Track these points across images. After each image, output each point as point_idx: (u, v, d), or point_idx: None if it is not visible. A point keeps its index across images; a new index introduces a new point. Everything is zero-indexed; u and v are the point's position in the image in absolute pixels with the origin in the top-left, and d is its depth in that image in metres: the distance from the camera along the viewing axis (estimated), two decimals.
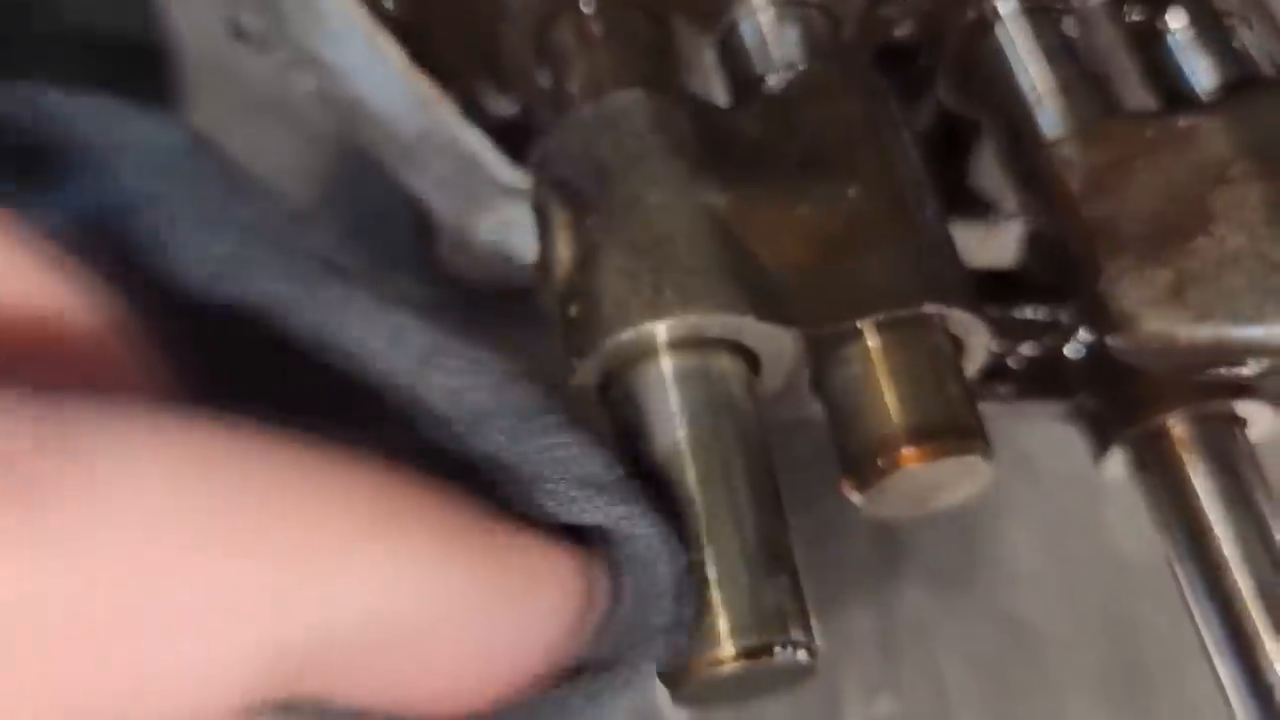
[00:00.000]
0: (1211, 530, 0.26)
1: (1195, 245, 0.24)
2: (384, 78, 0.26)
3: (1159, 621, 0.37)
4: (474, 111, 0.28)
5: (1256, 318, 0.23)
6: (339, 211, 0.36)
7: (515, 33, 0.26)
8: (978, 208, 0.33)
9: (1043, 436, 0.37)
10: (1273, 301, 0.23)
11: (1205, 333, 0.23)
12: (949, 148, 0.33)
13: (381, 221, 0.33)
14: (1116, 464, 0.28)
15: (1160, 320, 0.24)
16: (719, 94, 0.27)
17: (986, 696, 0.36)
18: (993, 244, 0.32)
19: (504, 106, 0.29)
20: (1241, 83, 0.27)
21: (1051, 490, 0.38)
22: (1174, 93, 0.29)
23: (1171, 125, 0.25)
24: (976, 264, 0.30)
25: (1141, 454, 0.27)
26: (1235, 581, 0.26)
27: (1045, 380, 0.28)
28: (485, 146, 0.28)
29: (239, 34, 0.25)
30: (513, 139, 0.29)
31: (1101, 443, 0.28)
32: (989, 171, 0.33)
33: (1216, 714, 0.31)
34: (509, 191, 0.29)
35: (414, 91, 0.26)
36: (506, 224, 0.30)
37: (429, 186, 0.29)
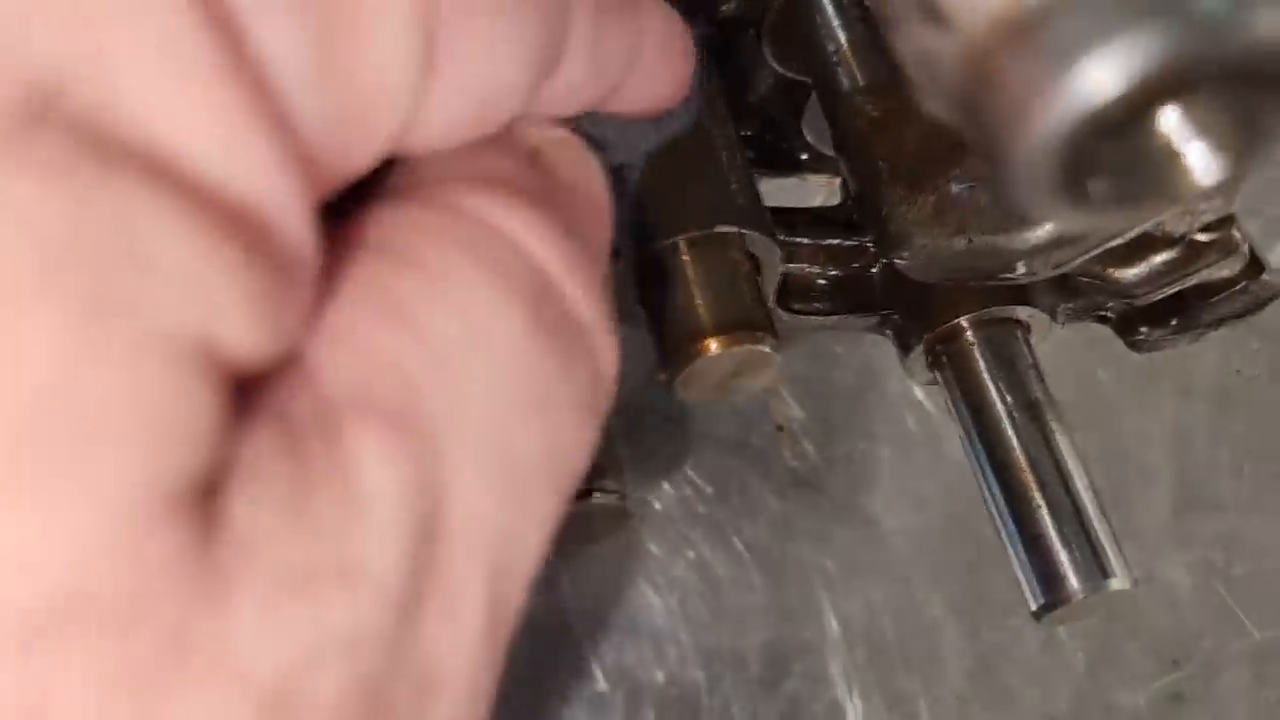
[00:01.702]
0: (993, 408, 0.32)
1: (953, 173, 0.29)
2: None
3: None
4: None
5: (1004, 229, 0.28)
6: None
7: None
8: (815, 159, 0.39)
9: (886, 355, 0.42)
10: (1014, 217, 0.28)
11: (960, 244, 0.29)
12: (790, 108, 0.38)
13: None
14: (918, 366, 0.33)
15: (927, 236, 0.29)
16: None
17: (844, 581, 0.41)
18: (825, 191, 0.37)
19: None
20: None
21: (898, 406, 0.43)
22: None
23: None
24: (805, 205, 0.35)
25: (937, 355, 0.33)
26: (1018, 466, 0.31)
27: (855, 299, 0.33)
28: None
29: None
30: None
31: (904, 348, 0.33)
32: (820, 129, 0.38)
33: None
34: None
35: None
36: None
37: None
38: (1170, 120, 0.16)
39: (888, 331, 0.34)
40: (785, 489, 0.42)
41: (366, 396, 0.14)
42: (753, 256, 0.28)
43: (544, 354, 0.16)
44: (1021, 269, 0.30)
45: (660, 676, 0.39)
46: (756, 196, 0.28)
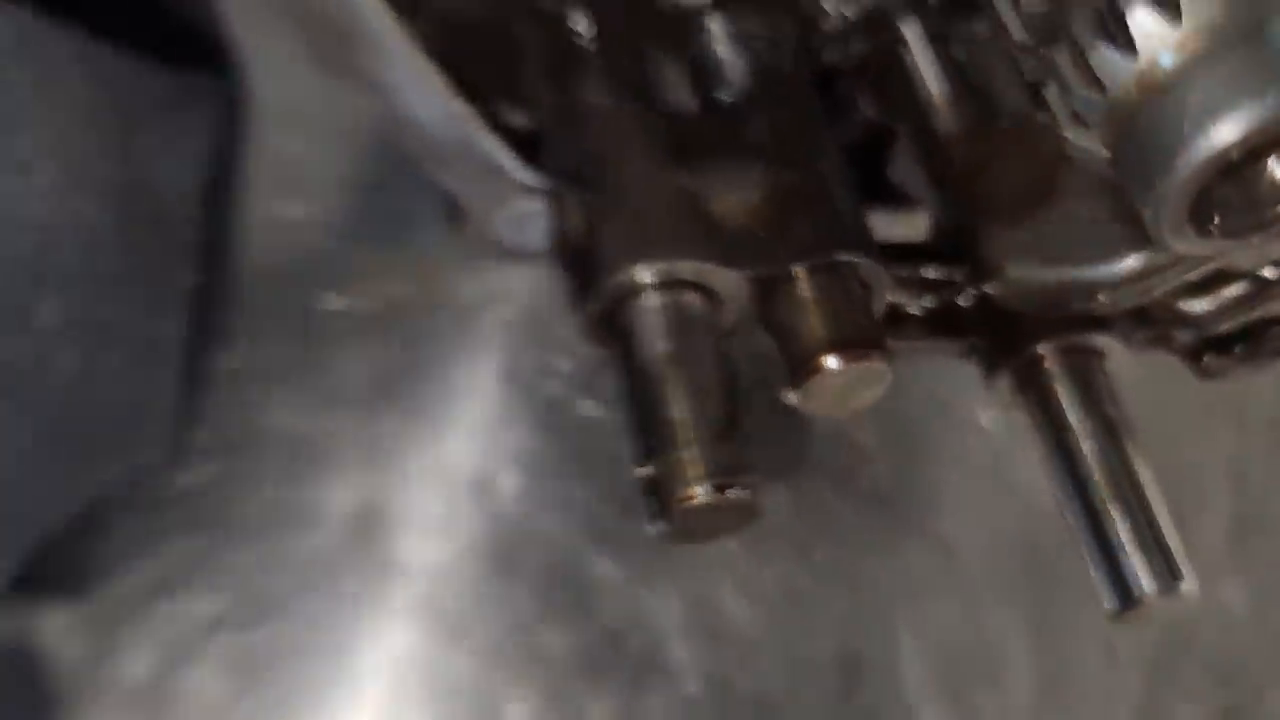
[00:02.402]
0: (1075, 442, 0.34)
1: (1045, 211, 0.32)
2: (428, 99, 0.33)
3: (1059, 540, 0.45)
4: (495, 125, 0.36)
5: (1089, 263, 0.31)
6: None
7: (532, 64, 0.34)
8: (897, 197, 0.41)
9: (958, 387, 0.45)
10: (1099, 250, 0.31)
11: (1051, 276, 0.31)
12: (877, 152, 0.41)
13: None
14: (1003, 390, 0.36)
15: (1019, 268, 0.32)
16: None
17: (915, 602, 0.44)
18: (909, 225, 0.40)
19: (519, 121, 0.36)
20: None
21: (965, 433, 0.46)
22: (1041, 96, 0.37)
23: (1031, 125, 0.33)
24: (895, 239, 0.38)
25: (1020, 380, 0.35)
26: (1097, 488, 0.34)
27: (945, 325, 0.36)
28: (504, 153, 0.36)
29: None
30: (525, 147, 0.37)
31: (989, 372, 0.36)
32: (907, 170, 0.41)
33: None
34: (522, 189, 0.37)
35: (451, 109, 0.34)
36: (518, 215, 0.38)
37: (458, 184, 0.37)
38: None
39: (973, 357, 0.36)
40: (861, 508, 0.44)
41: None
42: (863, 283, 0.30)
43: None
44: (1104, 300, 0.33)
45: (749, 683, 0.41)
46: (867, 227, 0.31)
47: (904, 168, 0.41)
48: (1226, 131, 0.17)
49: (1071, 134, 0.19)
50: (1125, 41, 0.17)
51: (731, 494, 0.26)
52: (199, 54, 0.39)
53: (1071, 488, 0.34)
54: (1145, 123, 0.17)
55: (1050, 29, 0.19)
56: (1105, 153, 0.19)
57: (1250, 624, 0.45)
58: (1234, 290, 0.34)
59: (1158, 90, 0.17)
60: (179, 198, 0.37)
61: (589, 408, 0.43)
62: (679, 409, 0.27)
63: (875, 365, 0.29)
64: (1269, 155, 0.18)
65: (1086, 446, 0.34)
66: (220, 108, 0.37)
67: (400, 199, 0.44)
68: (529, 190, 0.37)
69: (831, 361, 0.29)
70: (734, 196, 0.30)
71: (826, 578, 0.43)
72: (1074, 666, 0.44)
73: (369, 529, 0.41)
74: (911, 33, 0.36)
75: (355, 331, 0.43)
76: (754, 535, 0.38)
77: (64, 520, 0.37)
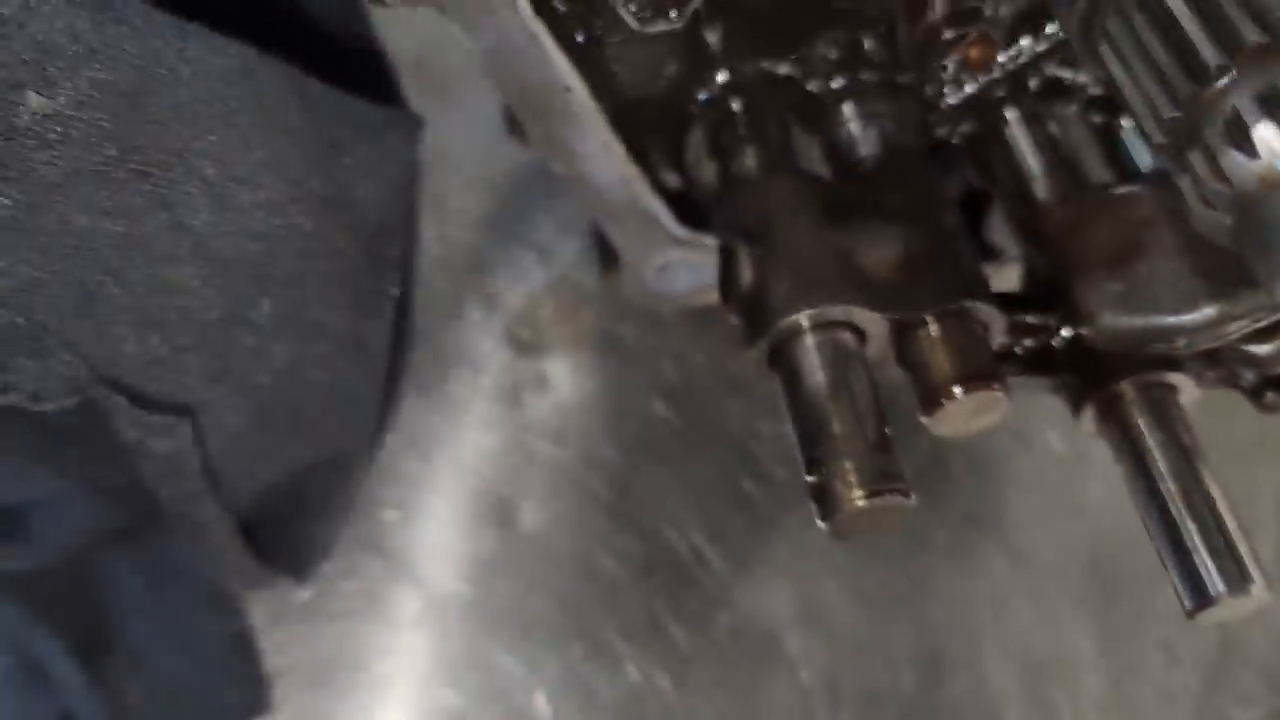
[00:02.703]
0: (1155, 464, 0.40)
1: (1134, 267, 0.38)
2: (606, 161, 0.40)
3: (1122, 555, 0.50)
4: (656, 185, 0.42)
5: (1172, 312, 0.37)
6: None
7: (695, 135, 0.40)
8: (992, 253, 0.47)
9: (1035, 418, 0.51)
10: (1181, 301, 0.37)
11: (1140, 322, 0.37)
12: (973, 213, 0.47)
13: None
14: (1088, 420, 0.42)
15: (1112, 315, 0.38)
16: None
17: (996, 608, 0.49)
18: (1001, 277, 0.46)
19: (674, 182, 0.43)
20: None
21: (1041, 460, 0.51)
22: (1123, 171, 0.43)
23: (1119, 191, 0.39)
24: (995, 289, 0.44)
25: (1104, 412, 0.41)
26: (1174, 503, 0.39)
27: (1040, 364, 0.42)
28: (663, 209, 0.42)
29: (514, 132, 0.39)
30: (678, 206, 0.43)
31: (1076, 405, 0.42)
32: (998, 228, 0.47)
33: (1171, 616, 0.45)
34: (675, 240, 0.43)
35: (624, 172, 0.40)
36: (668, 265, 0.44)
37: (621, 236, 0.43)
38: None
39: (1062, 393, 0.42)
40: (951, 525, 0.50)
41: None
42: (982, 324, 0.36)
43: None
44: (1182, 343, 0.38)
45: (856, 679, 0.47)
46: (985, 279, 0.37)
47: (996, 227, 0.47)
48: None
49: (1199, 214, 0.25)
50: (1250, 149, 0.23)
51: (888, 498, 0.32)
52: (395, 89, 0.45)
53: (1151, 503, 0.39)
54: (1264, 211, 0.23)
55: (1187, 134, 0.25)
56: (1227, 227, 0.24)
57: None
58: None
59: (1276, 185, 0.23)
60: (380, 214, 0.42)
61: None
62: (841, 426, 0.33)
63: (994, 394, 0.35)
64: None
65: (1164, 467, 0.39)
66: (413, 138, 0.42)
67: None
68: (679, 241, 0.43)
69: (958, 391, 0.35)
70: (877, 252, 0.36)
71: (920, 585, 0.49)
72: (1139, 667, 0.50)
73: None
74: (1012, 114, 0.42)
75: None
76: (861, 546, 0.44)
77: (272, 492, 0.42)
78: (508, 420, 0.51)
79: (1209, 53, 0.25)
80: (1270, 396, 0.42)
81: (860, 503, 0.32)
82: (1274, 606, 0.52)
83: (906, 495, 0.32)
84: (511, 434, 0.51)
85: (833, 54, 0.40)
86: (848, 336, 0.35)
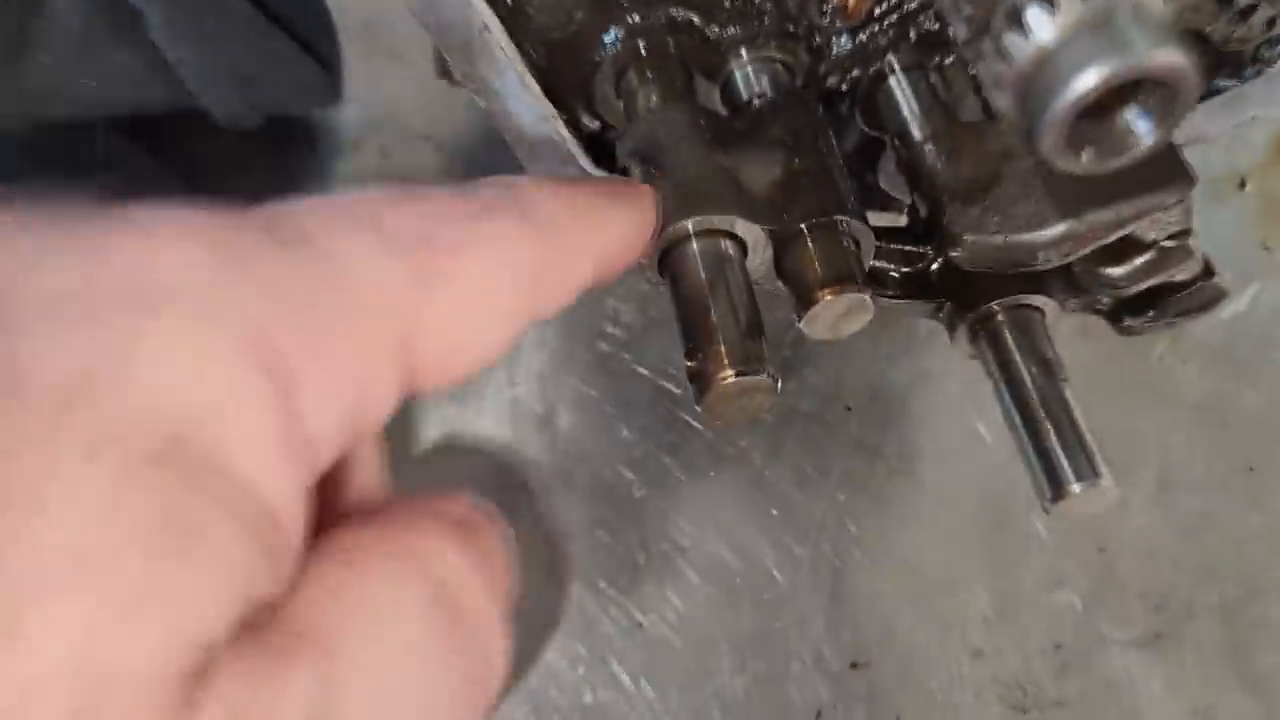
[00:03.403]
0: (1020, 372, 0.44)
1: (993, 193, 0.42)
2: (526, 102, 0.44)
3: (1016, 484, 0.54)
4: (573, 126, 0.46)
5: (1027, 229, 0.41)
6: None
7: (603, 77, 0.44)
8: (888, 200, 0.52)
9: (936, 359, 0.55)
10: (1035, 220, 0.41)
11: (998, 240, 0.42)
12: (869, 162, 0.52)
13: None
14: (961, 340, 0.46)
15: (975, 236, 0.42)
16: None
17: (894, 529, 0.53)
18: (892, 221, 0.50)
19: (590, 123, 0.47)
20: None
21: (941, 398, 0.55)
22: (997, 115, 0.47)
23: (982, 127, 0.44)
24: (881, 225, 0.48)
25: (976, 331, 0.45)
26: (1034, 407, 0.43)
27: (918, 289, 0.46)
28: (579, 149, 0.46)
29: (446, 74, 0.44)
30: (593, 144, 0.47)
31: (951, 327, 0.46)
32: (890, 176, 0.51)
33: (1053, 539, 0.49)
34: (589, 176, 0.47)
35: (541, 111, 0.44)
36: None
37: (540, 171, 0.47)
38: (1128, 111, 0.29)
39: (940, 315, 0.46)
40: (853, 455, 0.54)
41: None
42: (855, 240, 0.40)
43: (439, 646, 0.23)
44: (1040, 258, 0.43)
45: (753, 591, 0.51)
46: (856, 198, 0.41)
47: (888, 175, 0.52)
48: (1086, 80, 0.27)
49: (994, 98, 0.29)
50: (1022, 28, 0.27)
51: (757, 378, 0.36)
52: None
53: (1016, 408, 0.44)
54: (1037, 81, 0.27)
55: (982, 26, 0.29)
56: (1012, 105, 0.28)
57: (1173, 559, 0.55)
58: (1142, 258, 0.44)
59: (1044, 59, 0.27)
60: None
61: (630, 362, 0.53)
62: (716, 316, 0.37)
63: (859, 297, 0.39)
64: (1118, 106, 0.28)
65: (1027, 376, 0.44)
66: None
67: None
68: (594, 177, 0.47)
69: (826, 294, 0.39)
70: (758, 172, 0.40)
71: (822, 510, 0.53)
72: (1024, 588, 0.54)
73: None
74: (894, 62, 0.47)
75: None
76: (770, 480, 0.47)
77: None
78: None
79: None
80: (1127, 319, 0.46)
81: (729, 381, 0.36)
82: (1153, 532, 0.56)
83: (774, 377, 0.36)
84: None
85: (730, 2, 0.44)
86: (728, 244, 0.39)
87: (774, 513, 0.52)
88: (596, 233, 0.32)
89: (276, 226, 0.23)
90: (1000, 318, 0.45)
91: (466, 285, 0.26)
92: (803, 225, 0.40)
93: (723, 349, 0.36)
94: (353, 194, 0.26)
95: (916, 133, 0.45)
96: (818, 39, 0.45)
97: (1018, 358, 0.44)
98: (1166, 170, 0.41)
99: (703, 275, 0.38)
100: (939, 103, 0.46)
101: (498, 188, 0.29)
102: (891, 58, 0.46)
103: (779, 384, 0.37)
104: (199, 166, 0.48)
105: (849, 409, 0.55)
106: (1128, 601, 0.55)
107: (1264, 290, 0.59)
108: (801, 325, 0.40)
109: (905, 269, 0.46)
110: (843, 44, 0.46)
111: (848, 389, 0.55)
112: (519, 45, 0.42)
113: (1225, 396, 0.58)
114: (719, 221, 0.39)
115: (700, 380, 0.36)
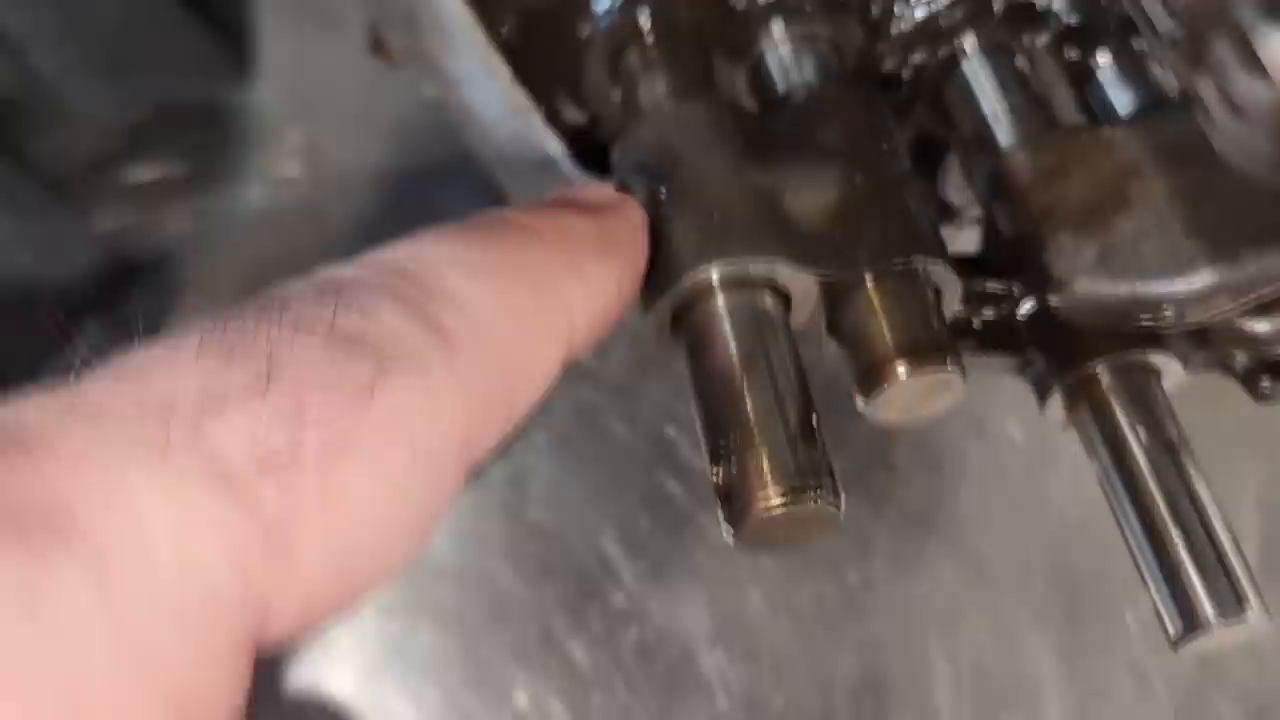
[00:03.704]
0: (1131, 452, 0.34)
1: (1115, 224, 0.31)
2: (490, 88, 0.33)
3: (1090, 563, 0.44)
4: (552, 118, 0.35)
5: (1162, 276, 0.31)
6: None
7: (594, 58, 0.33)
8: (948, 212, 0.41)
9: (994, 404, 0.44)
10: (1173, 264, 0.30)
11: (1123, 289, 0.31)
12: (927, 166, 0.41)
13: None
14: (1055, 407, 0.35)
15: (1090, 283, 0.31)
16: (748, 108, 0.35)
17: (947, 623, 0.43)
18: (958, 241, 0.40)
19: (576, 116, 0.36)
20: (1152, 104, 0.34)
21: (999, 451, 0.45)
22: (1099, 115, 0.36)
23: (1098, 134, 0.33)
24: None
25: (1074, 398, 0.35)
26: (1158, 509, 0.33)
27: (1000, 340, 0.35)
28: (561, 149, 0.35)
29: (381, 50, 0.32)
30: (580, 144, 0.36)
31: (1042, 390, 0.35)
32: (955, 183, 0.40)
33: (1143, 634, 0.39)
34: (575, 185, 0.36)
35: (512, 101, 0.33)
36: None
37: (512, 179, 0.36)
38: None
39: (1026, 373, 0.36)
40: (897, 526, 0.44)
41: None
42: (935, 288, 0.30)
43: None
44: (1170, 315, 0.32)
45: (780, 701, 0.40)
46: (938, 228, 0.30)
47: (953, 182, 0.41)
48: None
49: (1222, 124, 0.19)
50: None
51: (811, 501, 0.26)
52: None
53: (1129, 508, 0.33)
54: None
55: (1207, 19, 0.19)
56: (1260, 143, 0.18)
57: None
58: None
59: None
60: None
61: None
62: (754, 409, 0.26)
63: (947, 374, 0.29)
64: None
65: (1146, 465, 0.33)
66: None
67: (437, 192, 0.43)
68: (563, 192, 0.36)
69: (902, 369, 0.28)
70: (808, 195, 0.29)
71: (859, 597, 0.43)
72: (1106, 694, 0.44)
73: None
74: (970, 43, 0.36)
75: None
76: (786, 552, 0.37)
77: None
78: None
79: None
80: (1266, 383, 0.36)
81: (776, 506, 0.25)
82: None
83: (835, 498, 0.26)
84: None
85: None
86: (768, 299, 0.28)
87: (805, 609, 0.41)
88: (558, 317, 0.25)
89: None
90: (1107, 382, 0.34)
91: (350, 511, 0.16)
92: (868, 271, 0.29)
93: (765, 461, 0.26)
94: (154, 358, 0.16)
95: (1003, 137, 0.34)
96: (876, 8, 0.34)
97: (1131, 437, 0.34)
98: None
99: (733, 348, 0.27)
100: (1034, 98, 0.35)
101: (400, 299, 0.20)
102: (970, 35, 0.35)
103: (842, 504, 0.26)
104: (68, 168, 0.37)
105: (891, 469, 0.44)
106: (1227, 706, 0.45)
107: None
108: (864, 408, 0.29)
109: (984, 314, 0.35)
110: (911, 14, 0.35)
111: (890, 444, 0.44)
112: (483, 15, 0.31)
113: None
114: (756, 268, 0.28)
115: (733, 502, 0.26)
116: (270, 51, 0.40)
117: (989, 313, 0.35)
